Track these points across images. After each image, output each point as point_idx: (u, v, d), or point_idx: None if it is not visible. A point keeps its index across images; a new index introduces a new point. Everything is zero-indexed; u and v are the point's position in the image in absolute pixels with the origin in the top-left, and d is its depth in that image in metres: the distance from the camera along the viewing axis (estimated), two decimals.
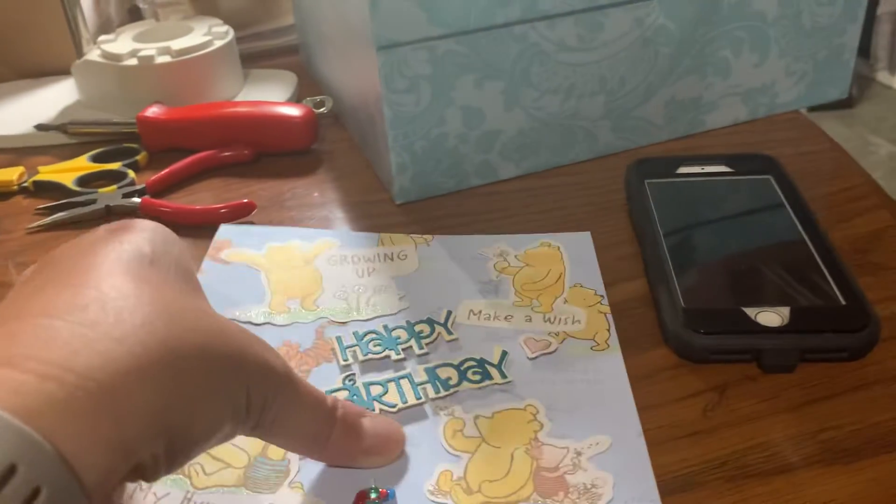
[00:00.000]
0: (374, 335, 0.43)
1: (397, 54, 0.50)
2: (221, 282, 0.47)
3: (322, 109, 0.68)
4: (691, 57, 0.59)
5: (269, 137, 0.64)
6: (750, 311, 0.42)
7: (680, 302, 0.42)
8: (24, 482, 0.19)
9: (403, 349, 0.42)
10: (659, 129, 0.61)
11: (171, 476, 0.34)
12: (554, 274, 0.47)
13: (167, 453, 0.24)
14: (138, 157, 0.65)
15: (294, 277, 0.47)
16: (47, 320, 0.23)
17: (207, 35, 0.71)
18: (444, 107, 0.53)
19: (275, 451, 0.37)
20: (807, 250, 0.46)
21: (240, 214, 0.55)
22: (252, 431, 0.29)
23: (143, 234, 0.29)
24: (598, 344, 0.42)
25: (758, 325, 0.41)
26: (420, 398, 0.39)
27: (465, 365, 0.41)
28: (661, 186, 0.53)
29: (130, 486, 0.33)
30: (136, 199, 0.59)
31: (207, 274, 0.47)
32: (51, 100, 0.74)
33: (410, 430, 0.37)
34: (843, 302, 0.42)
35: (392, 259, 0.48)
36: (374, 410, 0.38)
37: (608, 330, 0.42)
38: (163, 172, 0.62)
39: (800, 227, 0.48)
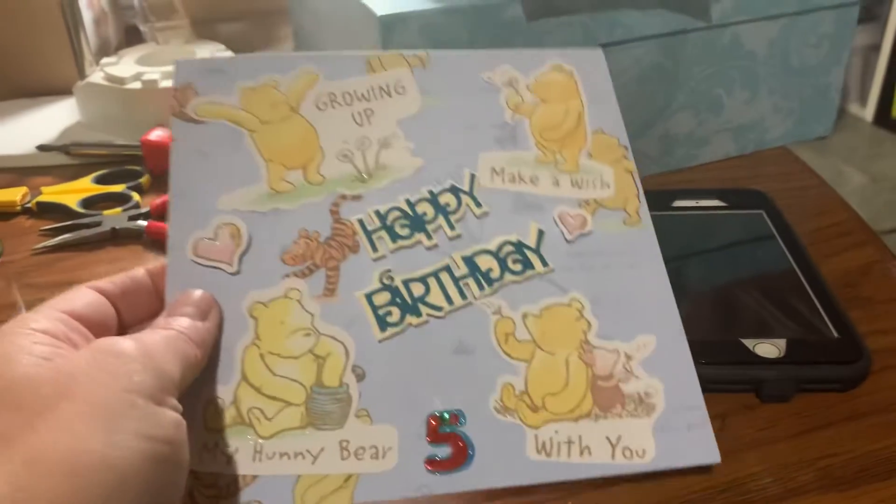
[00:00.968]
0: (398, 213, 0.39)
1: None
2: (200, 155, 0.39)
3: None
4: (685, 94, 0.61)
5: None
6: (748, 343, 0.43)
7: None
8: None
9: (433, 230, 0.39)
10: (653, 161, 0.63)
11: (234, 427, 0.33)
12: (572, 114, 0.43)
13: None
14: (142, 180, 0.66)
15: (284, 135, 0.40)
16: None
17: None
18: None
19: (330, 378, 0.35)
20: (799, 284, 0.48)
21: None
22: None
23: None
24: (630, 216, 0.40)
25: (756, 356, 0.43)
26: (466, 298, 0.37)
27: (504, 251, 0.38)
28: (657, 219, 0.54)
29: (197, 446, 0.33)
30: (142, 223, 0.60)
31: (180, 141, 0.39)
32: (51, 120, 0.75)
33: (463, 337, 0.36)
34: (836, 335, 0.44)
35: (389, 94, 0.42)
36: (420, 315, 0.36)
37: (637, 196, 0.41)
38: (166, 196, 0.62)
39: (792, 261, 0.50)
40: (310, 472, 0.33)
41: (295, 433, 0.33)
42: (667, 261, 0.50)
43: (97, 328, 0.32)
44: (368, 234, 0.38)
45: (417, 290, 0.37)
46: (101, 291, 0.34)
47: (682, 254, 0.52)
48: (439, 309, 0.37)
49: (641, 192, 0.41)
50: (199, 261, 0.36)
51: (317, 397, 0.34)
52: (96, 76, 0.71)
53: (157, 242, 0.59)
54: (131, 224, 0.60)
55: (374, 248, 0.38)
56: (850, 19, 0.64)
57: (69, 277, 0.56)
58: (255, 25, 0.85)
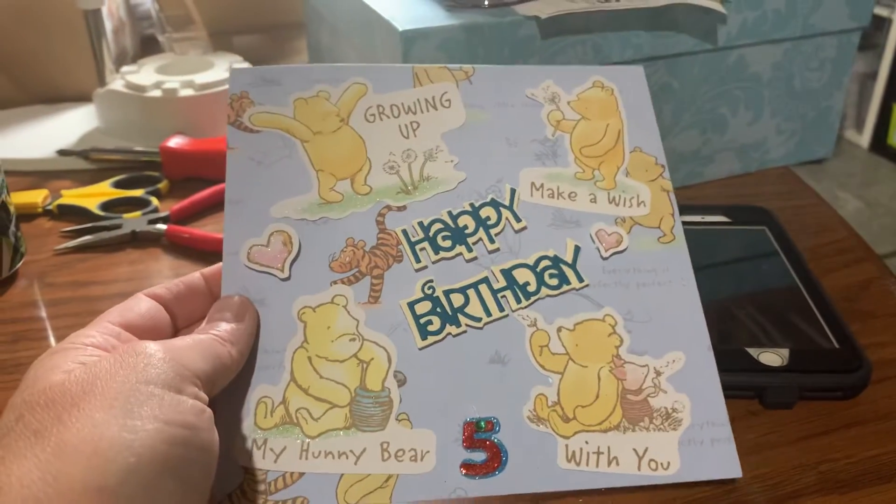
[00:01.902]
0: (440, 226, 0.40)
1: None
2: (256, 162, 0.40)
3: None
4: (692, 113, 0.63)
5: None
6: (753, 352, 0.45)
7: None
8: None
9: (473, 243, 0.40)
10: None
11: (283, 426, 0.35)
12: (612, 132, 0.44)
13: None
14: (160, 186, 0.67)
15: (334, 146, 0.42)
16: None
17: (229, 71, 0.74)
18: None
19: (373, 382, 0.36)
20: (801, 297, 0.50)
21: None
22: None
23: None
24: (665, 234, 0.42)
25: (760, 364, 0.44)
26: (503, 310, 0.38)
27: (541, 265, 0.40)
28: None
29: (248, 444, 0.34)
30: (161, 226, 0.61)
31: (236, 150, 0.41)
32: (70, 126, 0.77)
33: (500, 347, 0.38)
34: (837, 345, 0.46)
35: (435, 107, 0.43)
36: (459, 325, 0.38)
37: (672, 215, 0.42)
38: (186, 201, 0.64)
39: (794, 275, 0.52)
40: (352, 472, 0.34)
41: (339, 434, 0.35)
42: None
43: (149, 334, 0.34)
44: (412, 244, 0.39)
45: (457, 300, 0.38)
46: (156, 298, 0.36)
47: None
48: (478, 320, 0.38)
49: (677, 210, 0.42)
50: (253, 266, 0.37)
51: (360, 400, 0.36)
52: (117, 84, 0.73)
53: (176, 246, 0.60)
54: (151, 227, 0.61)
55: (417, 259, 0.39)
56: (851, 45, 0.66)
57: (89, 278, 0.57)
58: (271, 38, 0.87)
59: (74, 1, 0.73)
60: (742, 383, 0.44)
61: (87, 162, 0.71)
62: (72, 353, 0.31)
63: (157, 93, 0.71)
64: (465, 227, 0.40)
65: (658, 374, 0.38)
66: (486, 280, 0.39)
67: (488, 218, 0.41)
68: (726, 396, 0.44)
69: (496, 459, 0.35)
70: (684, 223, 0.58)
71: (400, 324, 0.37)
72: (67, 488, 0.25)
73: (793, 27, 0.62)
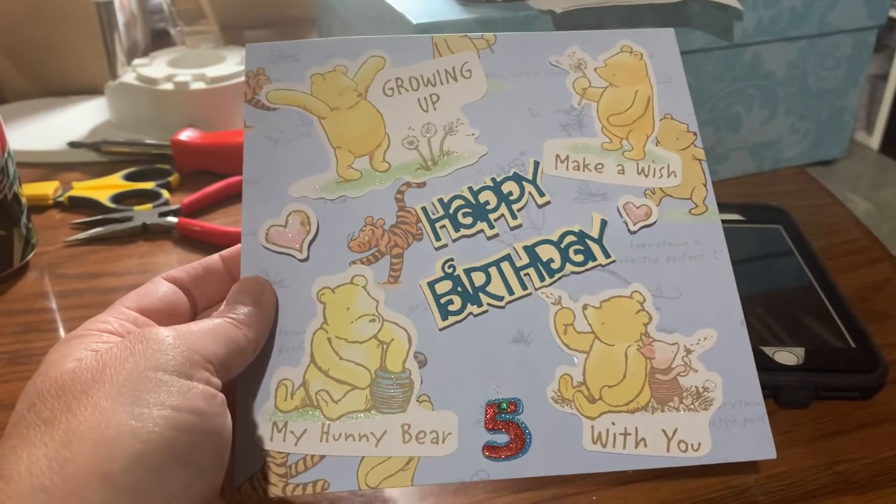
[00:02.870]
0: (460, 202, 0.39)
1: None
2: (273, 141, 0.39)
3: None
4: (706, 111, 0.63)
5: None
6: (768, 351, 0.45)
7: None
8: None
9: (495, 219, 0.39)
10: None
11: (303, 409, 0.34)
12: (641, 99, 0.42)
13: None
14: (171, 179, 0.67)
15: (352, 122, 0.40)
16: None
17: (240, 64, 0.74)
18: None
19: (393, 363, 0.36)
20: (817, 295, 0.50)
21: None
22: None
23: None
24: (697, 206, 0.40)
25: (776, 363, 0.44)
26: (526, 289, 0.37)
27: (566, 241, 0.38)
28: None
29: (268, 426, 0.34)
30: (173, 219, 0.61)
31: (253, 128, 0.40)
32: (81, 118, 0.77)
33: (522, 327, 0.37)
34: (854, 345, 0.45)
35: (455, 77, 0.42)
36: (481, 305, 0.37)
37: (705, 185, 0.40)
38: (197, 194, 0.64)
39: (809, 274, 0.52)
40: (373, 454, 0.34)
41: (360, 416, 0.34)
42: None
43: (167, 318, 0.34)
44: (432, 222, 0.39)
45: (479, 279, 0.37)
46: (174, 281, 0.36)
47: None
48: (500, 298, 0.37)
49: (709, 180, 0.41)
50: (271, 247, 0.37)
51: (381, 382, 0.35)
52: (129, 77, 0.73)
53: (186, 239, 0.60)
54: (162, 220, 0.61)
55: (437, 237, 0.38)
56: (867, 44, 0.66)
57: (100, 269, 0.57)
58: (283, 33, 0.87)
59: None
60: None
61: (99, 154, 0.71)
62: (86, 340, 0.30)
63: (168, 86, 0.71)
64: (487, 202, 0.39)
65: (688, 352, 0.36)
66: (508, 257, 0.38)
67: (510, 193, 0.39)
68: None
69: (519, 441, 0.34)
70: None
71: (420, 304, 0.37)
72: (73, 475, 0.25)
73: (809, 25, 0.62)
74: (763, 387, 0.43)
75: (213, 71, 0.72)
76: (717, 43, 0.60)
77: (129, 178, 0.67)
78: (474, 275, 0.37)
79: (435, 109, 0.41)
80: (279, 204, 0.38)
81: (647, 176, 0.40)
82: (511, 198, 0.39)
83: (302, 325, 0.36)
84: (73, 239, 0.60)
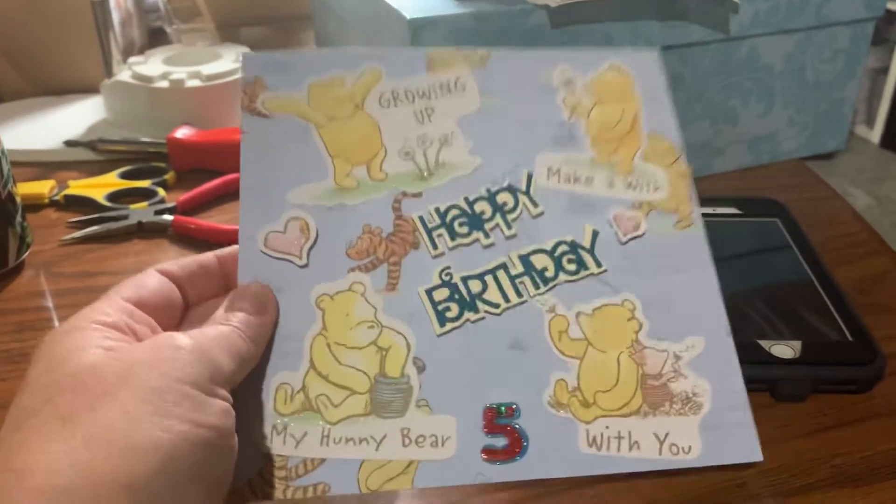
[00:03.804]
0: (456, 212, 0.40)
1: None
2: (270, 149, 0.40)
3: None
4: (703, 104, 0.63)
5: None
6: (764, 344, 0.44)
7: None
8: None
9: (490, 229, 0.40)
10: None
11: (303, 413, 0.35)
12: (628, 115, 0.43)
13: None
14: (166, 177, 0.67)
15: (349, 132, 0.41)
16: None
17: (236, 62, 0.74)
18: None
19: (392, 369, 0.36)
20: (814, 289, 0.49)
21: None
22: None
23: None
24: (682, 219, 0.41)
25: (772, 356, 0.44)
26: (521, 296, 0.38)
27: (559, 251, 0.39)
28: None
29: (268, 429, 0.34)
30: (168, 217, 0.61)
31: (250, 135, 0.40)
32: (77, 117, 0.77)
33: (518, 333, 0.38)
34: (851, 338, 0.45)
35: (450, 91, 0.43)
36: (478, 312, 0.38)
37: (690, 200, 0.42)
38: (193, 192, 0.64)
39: (806, 267, 0.52)
40: (373, 458, 0.34)
41: (359, 420, 0.35)
42: None
43: (161, 311, 0.34)
44: (428, 231, 0.39)
45: (475, 287, 0.38)
46: (168, 274, 0.35)
47: None
48: (496, 306, 0.38)
49: (695, 195, 0.42)
50: (270, 252, 0.37)
51: (380, 387, 0.35)
52: (124, 75, 0.73)
53: (182, 237, 0.60)
54: (158, 218, 0.61)
55: (434, 246, 0.39)
56: (864, 36, 0.66)
57: (96, 268, 0.57)
58: (279, 30, 0.87)
59: None
60: (754, 376, 0.43)
61: (94, 153, 0.71)
62: (90, 333, 0.30)
63: (164, 84, 0.71)
64: (482, 213, 0.40)
65: (678, 358, 0.37)
66: (503, 266, 0.39)
67: (505, 203, 0.40)
68: None
69: (517, 445, 0.35)
70: None
71: (418, 311, 0.37)
72: (98, 481, 0.25)
73: (806, 17, 0.62)
74: (760, 380, 0.44)
75: (208, 69, 0.72)
76: (713, 36, 0.59)
77: (124, 176, 0.67)
78: (471, 283, 0.38)
79: (430, 121, 0.42)
80: (278, 210, 0.38)
81: (635, 189, 0.41)
82: (506, 208, 0.40)
83: (301, 331, 0.36)
84: (68, 237, 0.60)
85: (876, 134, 2.47)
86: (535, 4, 0.54)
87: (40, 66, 0.82)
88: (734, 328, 0.47)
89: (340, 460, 0.34)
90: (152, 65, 0.74)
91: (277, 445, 0.34)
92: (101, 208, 0.63)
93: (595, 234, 0.40)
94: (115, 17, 0.78)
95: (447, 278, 0.38)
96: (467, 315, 0.37)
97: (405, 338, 0.36)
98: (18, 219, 0.56)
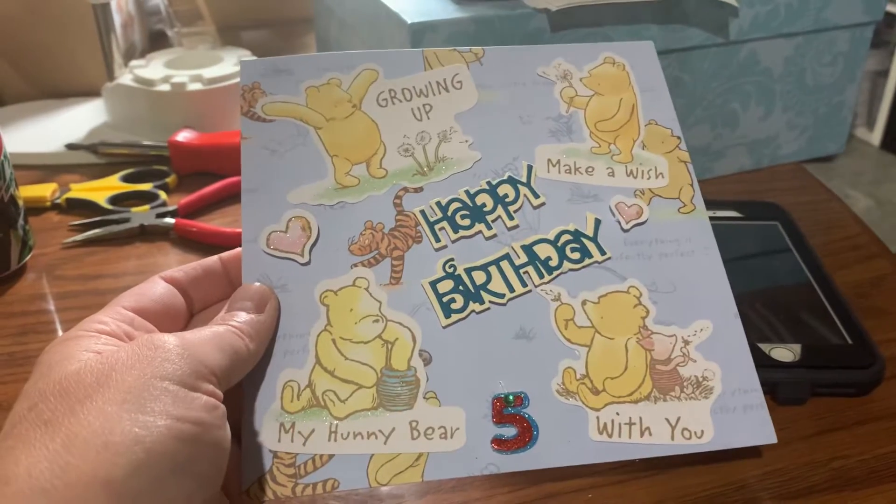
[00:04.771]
0: (458, 205, 0.40)
1: None
2: (270, 151, 0.40)
3: None
4: (703, 108, 0.63)
5: None
6: (764, 347, 0.45)
7: None
8: None
9: (492, 221, 0.40)
10: None
11: (310, 409, 0.35)
12: (626, 106, 0.44)
13: None
14: (168, 180, 0.67)
15: (348, 132, 0.42)
16: None
17: (237, 65, 0.74)
18: None
19: (398, 362, 0.36)
20: (814, 292, 0.50)
21: None
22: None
23: None
24: (685, 205, 0.41)
25: (772, 359, 0.44)
26: (526, 286, 0.38)
27: (562, 240, 0.40)
28: None
29: (276, 427, 0.34)
30: (170, 220, 0.61)
31: (250, 139, 0.41)
32: (78, 120, 0.77)
33: (524, 323, 0.37)
34: (850, 341, 0.45)
35: (447, 88, 0.43)
36: (483, 302, 0.38)
37: (691, 185, 0.42)
38: (194, 195, 0.64)
39: (806, 271, 0.52)
40: (382, 452, 0.34)
41: (367, 414, 0.35)
42: None
43: (162, 317, 0.34)
44: (430, 224, 0.39)
45: (479, 278, 0.38)
46: (172, 281, 0.36)
47: None
48: (501, 296, 0.38)
49: (695, 181, 0.42)
50: (272, 252, 0.37)
51: (386, 380, 0.35)
52: (125, 78, 0.73)
53: (184, 240, 0.60)
54: (159, 221, 0.61)
55: (437, 239, 0.39)
56: (864, 39, 0.66)
57: (98, 271, 0.57)
58: (280, 33, 0.87)
59: None
60: None
61: (96, 156, 0.71)
62: (84, 340, 0.30)
63: (165, 87, 0.71)
64: (484, 205, 0.40)
65: (686, 343, 0.37)
66: (507, 256, 0.39)
67: (506, 195, 0.40)
68: None
69: (527, 434, 0.35)
70: None
71: (423, 303, 0.37)
72: (75, 480, 0.25)
73: (805, 21, 0.62)
74: (760, 384, 0.43)
75: (210, 72, 0.72)
76: (713, 40, 0.60)
77: (126, 179, 0.67)
78: (475, 274, 0.38)
79: (428, 118, 0.42)
80: (279, 210, 0.38)
81: (636, 178, 0.42)
82: (507, 200, 0.40)
83: (306, 328, 0.36)
84: (70, 241, 0.60)
85: (876, 136, 2.47)
86: (535, 8, 0.54)
87: (42, 70, 0.82)
88: None
89: (349, 455, 0.34)
90: (154, 68, 0.74)
91: (286, 443, 0.34)
92: (103, 211, 0.63)
93: (597, 223, 0.40)
94: (117, 20, 0.79)
95: (451, 270, 0.38)
96: (472, 306, 0.37)
97: (410, 331, 0.36)
98: (20, 222, 0.56)
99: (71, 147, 0.71)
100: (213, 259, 0.38)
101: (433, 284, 0.38)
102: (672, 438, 0.35)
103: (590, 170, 0.42)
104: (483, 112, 0.42)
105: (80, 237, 0.60)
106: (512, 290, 0.38)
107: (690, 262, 0.39)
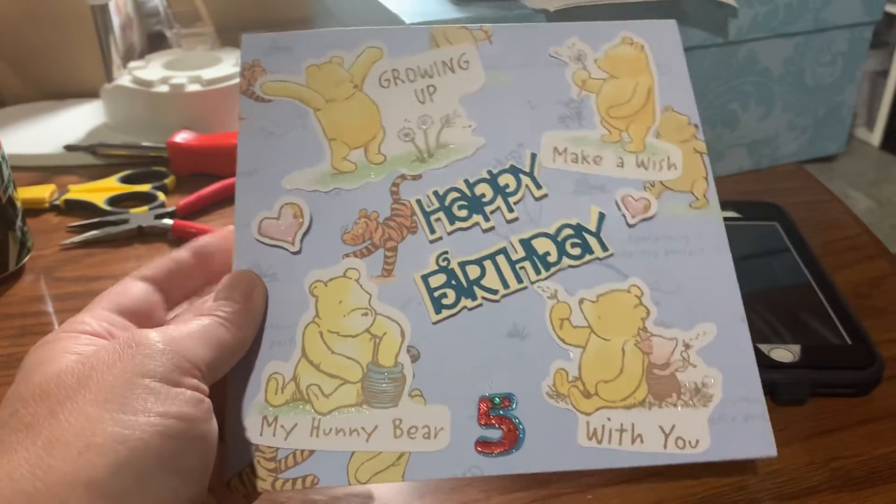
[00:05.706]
0: (456, 194, 0.38)
1: None
2: (267, 133, 0.39)
3: None
4: (702, 108, 0.63)
5: None
6: (764, 348, 0.44)
7: None
8: None
9: (491, 212, 0.38)
10: None
11: (293, 404, 0.34)
12: (641, 90, 0.41)
13: None
14: (167, 181, 0.67)
15: (348, 114, 0.40)
16: None
17: (236, 66, 0.74)
18: None
19: (385, 357, 0.35)
20: (813, 293, 0.50)
21: None
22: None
23: None
24: (698, 199, 0.39)
25: (772, 360, 0.44)
26: (522, 282, 0.37)
27: (562, 234, 0.38)
28: None
29: (258, 420, 0.34)
30: (168, 221, 0.61)
31: (248, 120, 0.39)
32: (77, 121, 0.77)
33: (517, 321, 0.36)
34: (850, 341, 0.45)
35: (453, 69, 0.41)
36: (475, 298, 0.36)
37: (706, 178, 0.39)
38: (192, 196, 0.64)
39: (805, 271, 0.52)
40: (364, 449, 0.33)
41: (350, 410, 0.34)
42: None
43: (143, 316, 0.34)
44: (426, 214, 0.38)
45: (473, 272, 0.37)
46: (147, 279, 0.35)
47: None
48: (494, 292, 0.36)
49: (711, 174, 0.40)
50: (263, 240, 0.36)
51: (372, 376, 0.35)
52: (124, 79, 0.73)
53: (182, 241, 0.60)
54: (158, 222, 0.61)
55: (432, 230, 0.38)
56: (863, 39, 0.66)
57: (96, 273, 0.57)
58: None
59: None
60: None
61: (95, 157, 0.71)
62: (65, 342, 0.30)
63: (164, 88, 0.71)
64: (483, 195, 0.38)
65: (687, 347, 0.36)
66: (504, 251, 0.37)
67: (507, 185, 0.39)
68: None
69: (512, 437, 0.34)
70: None
71: (414, 297, 0.36)
72: (57, 481, 0.25)
73: (804, 21, 0.62)
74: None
75: (208, 73, 0.72)
76: (712, 40, 0.60)
77: (124, 180, 0.67)
78: (469, 268, 0.37)
79: (432, 101, 0.40)
80: (273, 196, 0.37)
81: (646, 169, 0.40)
82: (507, 190, 0.39)
83: (294, 319, 0.35)
84: (68, 242, 0.60)
85: (876, 136, 2.47)
86: (533, 9, 0.54)
87: (41, 71, 0.82)
88: None
89: (330, 452, 0.33)
90: (152, 69, 0.74)
91: (268, 437, 0.33)
92: (102, 213, 0.63)
93: (601, 217, 0.38)
94: (115, 21, 0.78)
95: (444, 264, 0.37)
96: (464, 302, 0.36)
97: (399, 325, 0.35)
98: (19, 223, 0.56)
99: (69, 148, 0.71)
100: (181, 251, 0.37)
101: (425, 278, 0.36)
102: (665, 447, 0.34)
103: (598, 159, 0.40)
104: (489, 95, 0.41)
105: (78, 238, 0.60)
106: (506, 285, 0.37)
107: (698, 261, 0.38)
